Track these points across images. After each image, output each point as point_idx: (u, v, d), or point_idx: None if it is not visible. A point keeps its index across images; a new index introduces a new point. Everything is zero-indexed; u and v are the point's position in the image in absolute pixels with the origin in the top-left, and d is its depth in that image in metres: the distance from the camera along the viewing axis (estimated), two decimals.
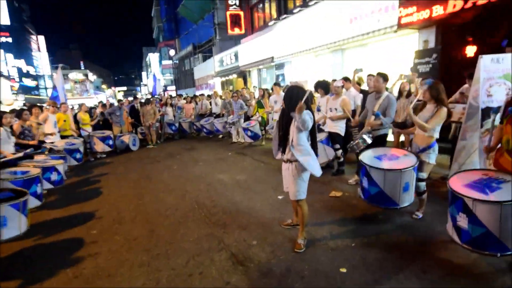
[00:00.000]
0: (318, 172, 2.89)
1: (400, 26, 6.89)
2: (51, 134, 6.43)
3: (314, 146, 2.94)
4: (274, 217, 3.77)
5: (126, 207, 4.54)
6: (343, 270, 2.62)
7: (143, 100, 12.33)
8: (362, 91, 5.81)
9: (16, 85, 25.96)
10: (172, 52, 37.98)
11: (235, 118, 9.05)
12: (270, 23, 13.65)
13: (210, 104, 11.36)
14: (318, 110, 5.81)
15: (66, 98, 8.27)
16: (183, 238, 3.40)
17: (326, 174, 5.35)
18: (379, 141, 4.21)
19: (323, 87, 5.65)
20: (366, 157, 3.50)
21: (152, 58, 52.60)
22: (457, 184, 2.65)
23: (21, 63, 32.39)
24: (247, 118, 9.19)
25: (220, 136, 10.62)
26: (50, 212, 4.47)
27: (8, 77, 23.38)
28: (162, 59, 47.18)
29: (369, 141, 3.89)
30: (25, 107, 7.64)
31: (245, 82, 17.14)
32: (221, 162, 6.97)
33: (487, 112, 3.71)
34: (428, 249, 2.88)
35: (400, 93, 5.35)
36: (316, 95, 6.39)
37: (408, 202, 3.30)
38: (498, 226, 2.32)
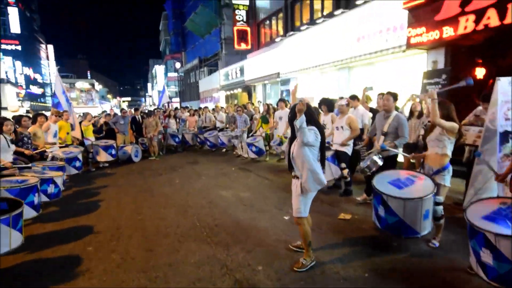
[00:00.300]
0: (314, 188, 2.86)
1: (409, 46, 6.85)
2: (52, 144, 6.32)
3: (322, 162, 2.92)
4: (280, 239, 3.58)
5: (125, 222, 4.35)
6: None
7: (146, 111, 12.29)
8: (371, 110, 5.71)
9: (23, 92, 26.15)
10: (178, 64, 38.50)
11: (238, 132, 8.98)
12: (276, 39, 13.78)
13: (215, 118, 11.31)
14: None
15: (70, 103, 8.18)
16: (184, 260, 3.20)
17: (333, 195, 5.19)
18: (390, 162, 4.06)
19: (327, 104, 5.59)
20: (380, 183, 3.33)
21: (158, 70, 53.35)
22: (475, 215, 2.51)
23: (29, 70, 32.83)
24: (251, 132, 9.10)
25: (224, 149, 10.49)
26: (46, 225, 4.28)
27: (15, 84, 23.57)
28: (168, 71, 47.79)
29: (380, 163, 3.74)
30: (24, 114, 7.56)
31: (250, 97, 17.16)
32: (224, 178, 6.80)
33: (505, 136, 3.56)
34: (449, 282, 2.67)
35: (412, 113, 5.24)
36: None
37: (428, 229, 3.14)
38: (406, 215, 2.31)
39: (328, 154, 5.14)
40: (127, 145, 9.25)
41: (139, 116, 10.74)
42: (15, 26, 32.63)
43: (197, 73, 28.89)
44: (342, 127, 5.08)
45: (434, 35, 6.25)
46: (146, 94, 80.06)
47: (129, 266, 3.14)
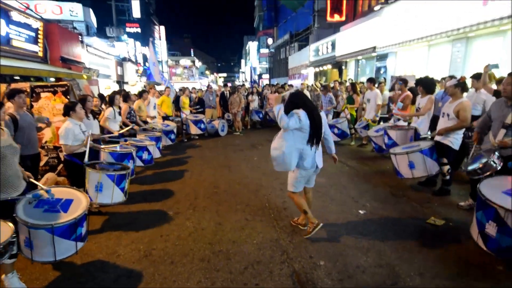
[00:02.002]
0: (278, 168, 3.19)
1: None
2: (152, 117, 7.21)
3: (317, 142, 3.07)
4: (350, 236, 3.26)
5: (203, 193, 4.69)
6: None
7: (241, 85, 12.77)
8: (496, 93, 4.50)
9: (140, 69, 30.61)
10: (270, 40, 38.64)
11: (323, 113, 8.49)
12: (375, 8, 12.16)
13: None
14: (417, 111, 4.87)
15: (162, 74, 9.17)
16: (247, 239, 3.25)
17: (424, 192, 4.44)
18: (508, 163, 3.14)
19: (423, 85, 4.66)
20: (490, 189, 2.59)
21: (251, 46, 54.74)
22: (493, 190, 2.58)
23: (146, 50, 37.96)
24: (337, 114, 8.51)
25: None
26: (138, 186, 4.98)
27: (135, 62, 27.67)
28: (260, 48, 48.61)
29: (498, 166, 2.91)
30: (142, 89, 8.74)
31: (340, 74, 16.01)
32: None
33: None
34: None
35: None
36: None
37: None
38: None
39: (424, 145, 4.34)
40: (215, 120, 9.91)
41: (227, 92, 11.30)
42: (136, 11, 38.05)
43: (287, 49, 28.46)
44: (448, 114, 4.12)
45: None
46: (240, 70, 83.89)
47: (198, 236, 3.37)
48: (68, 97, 4.93)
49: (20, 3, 11.10)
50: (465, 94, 5.59)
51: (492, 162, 2.95)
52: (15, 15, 9.38)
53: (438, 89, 5.91)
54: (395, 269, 2.66)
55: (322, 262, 2.81)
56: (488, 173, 2.92)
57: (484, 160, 3.02)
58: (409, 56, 10.01)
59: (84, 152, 3.62)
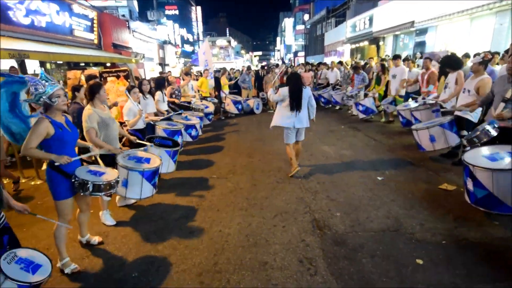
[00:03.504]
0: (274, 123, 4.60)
1: None
2: (193, 96, 8.05)
3: (297, 107, 4.36)
4: (365, 196, 3.81)
5: (240, 162, 5.46)
6: (419, 261, 2.55)
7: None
8: None
9: (179, 51, 31.88)
10: (306, 16, 37.65)
11: (354, 91, 8.74)
12: None
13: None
14: (445, 87, 5.05)
15: (207, 63, 9.90)
16: (277, 196, 3.95)
17: (443, 163, 4.78)
18: (509, 135, 3.45)
19: (451, 63, 4.94)
20: (472, 156, 3.04)
21: (287, 23, 53.66)
22: (471, 155, 3.08)
23: (183, 31, 39.12)
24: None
25: (337, 107, 10.47)
26: (186, 157, 5.87)
27: (174, 44, 28.87)
28: (296, 24, 47.49)
29: (493, 133, 3.25)
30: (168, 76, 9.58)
31: (378, 50, 15.61)
32: (330, 134, 7.08)
33: None
34: None
35: None
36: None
37: None
38: (494, 188, 2.69)
39: (445, 120, 4.64)
40: (250, 99, 10.58)
41: (263, 72, 11.81)
42: None
43: (323, 25, 27.74)
44: (469, 90, 4.37)
45: None
46: (275, 48, 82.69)
47: (238, 193, 4.15)
48: (129, 80, 5.86)
49: None
50: (498, 67, 5.63)
51: (486, 131, 3.30)
52: (76, 8, 10.63)
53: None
54: (400, 220, 3.20)
55: (338, 213, 3.43)
56: (483, 141, 3.28)
57: (479, 131, 3.38)
58: (450, 30, 9.65)
59: (144, 128, 4.50)
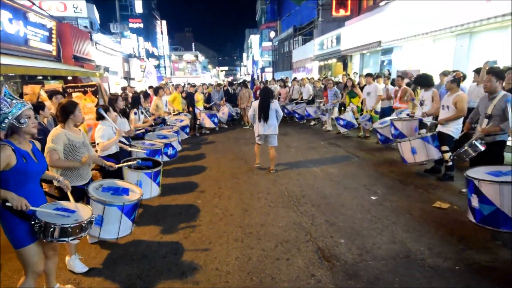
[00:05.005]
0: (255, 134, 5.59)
1: None
2: (167, 113, 7.58)
3: (265, 119, 5.33)
4: (365, 219, 3.65)
5: (224, 184, 5.08)
6: None
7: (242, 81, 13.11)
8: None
9: (144, 64, 30.81)
10: (272, 34, 38.61)
11: (328, 106, 8.87)
12: (381, 3, 12.36)
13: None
14: (421, 104, 5.29)
15: (161, 77, 9.53)
16: (273, 223, 3.64)
17: (429, 179, 4.83)
18: (496, 147, 3.59)
19: (423, 81, 5.46)
20: (475, 172, 3.00)
21: (253, 39, 54.70)
22: (474, 172, 2.99)
23: (148, 45, 38.11)
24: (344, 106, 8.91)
25: (312, 123, 10.54)
26: (165, 179, 5.36)
27: (139, 57, 27.86)
28: (262, 41, 48.54)
29: (480, 148, 3.33)
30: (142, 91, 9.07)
31: (345, 67, 16.25)
32: (312, 151, 6.98)
33: None
34: None
35: None
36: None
37: None
38: (502, 203, 2.61)
39: (427, 134, 4.82)
40: (223, 107, 10.40)
41: (232, 89, 11.66)
42: (138, 6, 38.08)
43: (291, 42, 28.56)
44: (447, 106, 4.58)
45: None
46: (242, 63, 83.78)
47: (228, 220, 3.77)
48: (97, 96, 5.29)
49: (29, 1, 11.45)
50: (467, 86, 6.00)
51: (474, 146, 3.38)
52: (31, 16, 9.71)
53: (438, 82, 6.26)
54: (407, 245, 3.05)
55: (342, 240, 3.20)
56: (471, 156, 3.34)
57: (467, 146, 3.46)
58: (414, 49, 10.26)
59: (117, 152, 3.99)
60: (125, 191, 2.85)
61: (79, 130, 2.83)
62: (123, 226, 2.70)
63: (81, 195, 2.70)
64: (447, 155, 4.61)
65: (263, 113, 5.26)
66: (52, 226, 1.99)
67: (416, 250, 2.97)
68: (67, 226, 2.03)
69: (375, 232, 3.34)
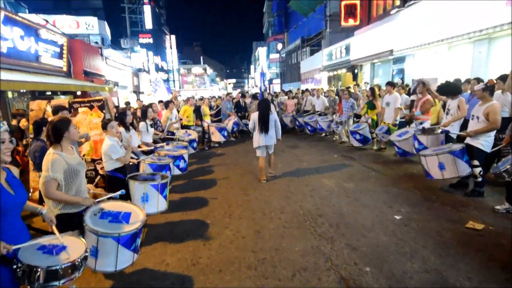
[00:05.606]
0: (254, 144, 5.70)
1: None
2: (176, 128, 7.42)
3: (265, 130, 5.46)
4: (390, 242, 3.30)
5: (235, 201, 4.80)
6: None
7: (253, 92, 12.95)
8: None
9: (153, 78, 31.24)
10: (280, 46, 38.83)
11: (343, 118, 8.54)
12: (392, 12, 12.16)
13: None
14: (447, 113, 4.99)
15: (169, 89, 9.46)
16: (289, 247, 3.33)
17: (456, 195, 4.45)
18: None
19: (451, 90, 5.13)
20: None
21: (261, 52, 55.14)
22: None
23: (158, 59, 38.75)
24: (358, 116, 8.57)
25: (323, 134, 10.22)
26: (172, 196, 5.11)
27: (148, 72, 28.24)
28: (270, 53, 48.88)
29: None
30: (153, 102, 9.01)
31: (355, 77, 15.98)
32: (326, 165, 6.65)
33: None
34: None
35: None
36: None
37: None
38: None
39: (455, 147, 4.43)
40: (231, 119, 10.20)
41: (243, 101, 11.49)
42: (148, 22, 38.90)
43: (298, 53, 28.56)
44: (478, 117, 4.21)
45: None
46: (249, 76, 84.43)
47: (240, 244, 3.47)
48: (104, 111, 5.15)
49: (43, 19, 11.66)
50: (497, 93, 5.64)
51: None
52: (43, 33, 9.83)
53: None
54: (443, 274, 2.69)
55: (367, 268, 2.86)
56: None
57: (509, 164, 3.06)
58: (428, 57, 9.95)
59: (124, 166, 3.79)
60: (126, 217, 2.57)
61: (72, 148, 2.57)
62: (121, 257, 2.42)
63: (77, 223, 2.45)
64: (477, 170, 4.23)
65: (263, 125, 5.39)
66: (38, 269, 1.70)
67: (453, 280, 2.61)
68: (56, 267, 1.74)
69: (403, 258, 2.99)
